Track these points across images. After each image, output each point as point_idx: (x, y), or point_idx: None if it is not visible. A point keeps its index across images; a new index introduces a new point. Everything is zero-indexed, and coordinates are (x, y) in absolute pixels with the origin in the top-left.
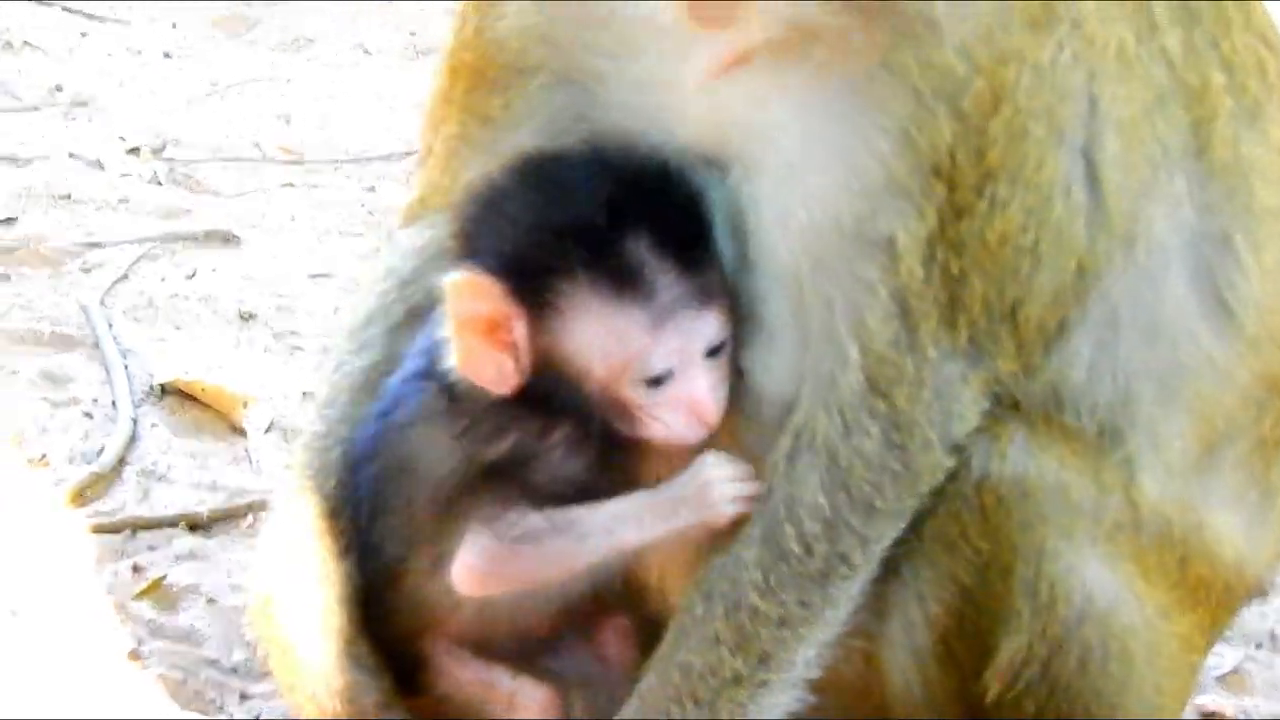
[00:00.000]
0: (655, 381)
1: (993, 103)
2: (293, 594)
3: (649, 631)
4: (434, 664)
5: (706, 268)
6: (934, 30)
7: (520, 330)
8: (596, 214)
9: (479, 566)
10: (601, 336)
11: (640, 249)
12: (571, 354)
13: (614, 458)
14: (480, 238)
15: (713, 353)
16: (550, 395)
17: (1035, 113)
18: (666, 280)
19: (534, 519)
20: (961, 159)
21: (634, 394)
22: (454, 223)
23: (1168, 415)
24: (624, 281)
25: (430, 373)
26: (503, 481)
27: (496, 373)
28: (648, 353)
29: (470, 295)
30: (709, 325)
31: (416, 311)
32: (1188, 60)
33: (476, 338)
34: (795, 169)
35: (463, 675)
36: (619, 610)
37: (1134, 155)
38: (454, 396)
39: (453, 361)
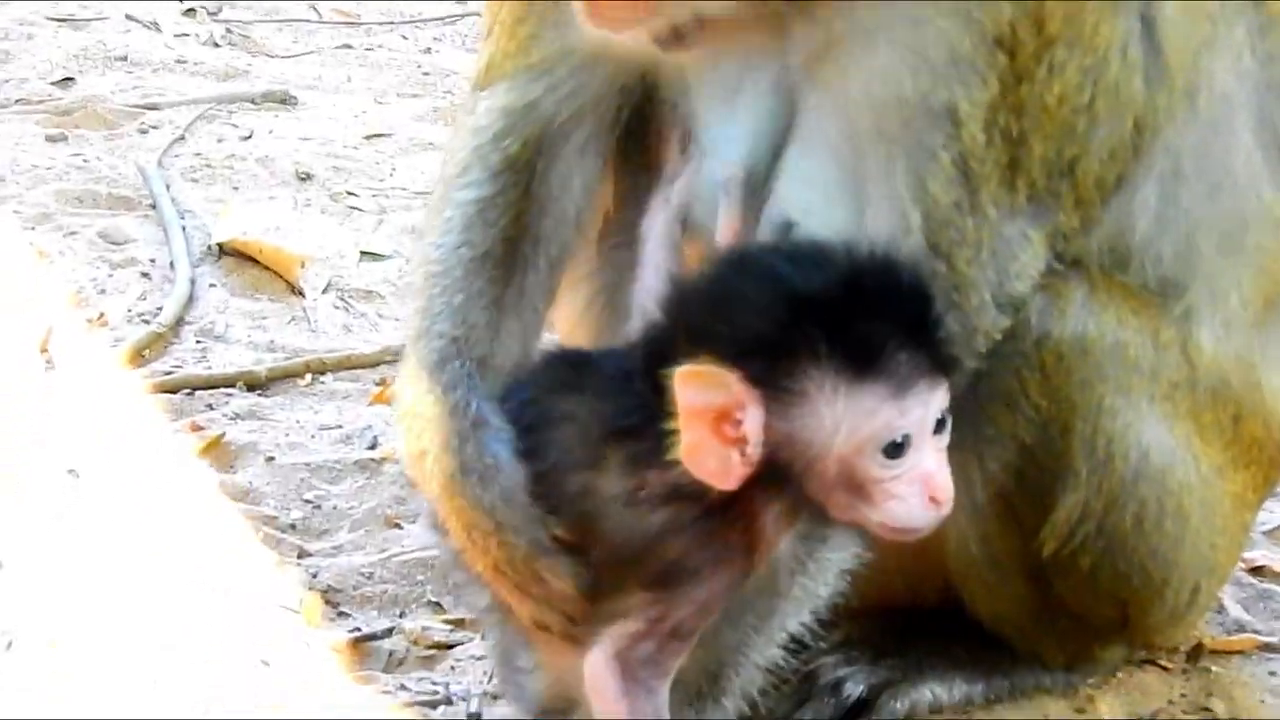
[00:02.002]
0: (895, 451)
1: None
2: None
3: None
4: None
5: (934, 343)
6: None
7: (755, 420)
8: (833, 293)
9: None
10: (847, 410)
11: (877, 324)
12: (812, 434)
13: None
14: (710, 327)
15: (938, 430)
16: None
17: None
18: (904, 352)
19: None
20: (1022, 31)
21: (874, 468)
22: (668, 315)
23: (1229, 267)
24: (868, 355)
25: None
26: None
27: (721, 468)
28: (893, 421)
29: (703, 386)
30: (941, 397)
31: (513, 162)
32: None
33: (705, 430)
34: (855, 54)
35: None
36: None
37: (1194, 8)
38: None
39: (677, 452)
